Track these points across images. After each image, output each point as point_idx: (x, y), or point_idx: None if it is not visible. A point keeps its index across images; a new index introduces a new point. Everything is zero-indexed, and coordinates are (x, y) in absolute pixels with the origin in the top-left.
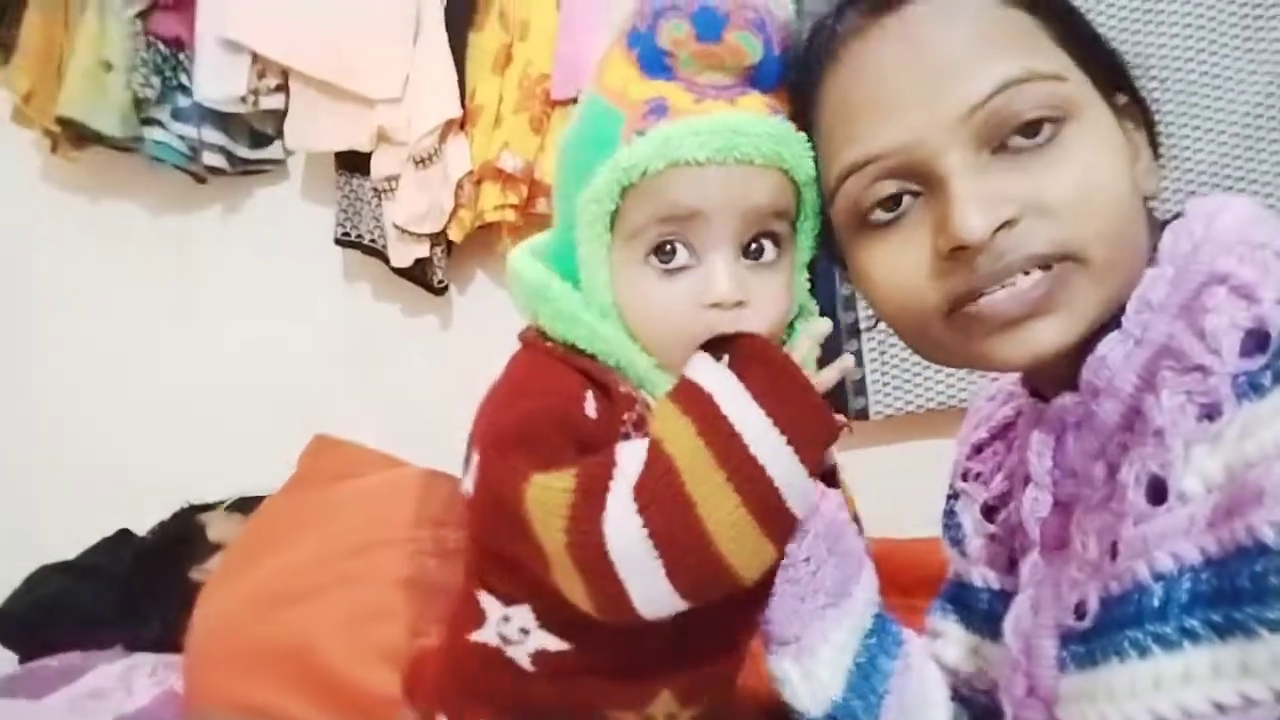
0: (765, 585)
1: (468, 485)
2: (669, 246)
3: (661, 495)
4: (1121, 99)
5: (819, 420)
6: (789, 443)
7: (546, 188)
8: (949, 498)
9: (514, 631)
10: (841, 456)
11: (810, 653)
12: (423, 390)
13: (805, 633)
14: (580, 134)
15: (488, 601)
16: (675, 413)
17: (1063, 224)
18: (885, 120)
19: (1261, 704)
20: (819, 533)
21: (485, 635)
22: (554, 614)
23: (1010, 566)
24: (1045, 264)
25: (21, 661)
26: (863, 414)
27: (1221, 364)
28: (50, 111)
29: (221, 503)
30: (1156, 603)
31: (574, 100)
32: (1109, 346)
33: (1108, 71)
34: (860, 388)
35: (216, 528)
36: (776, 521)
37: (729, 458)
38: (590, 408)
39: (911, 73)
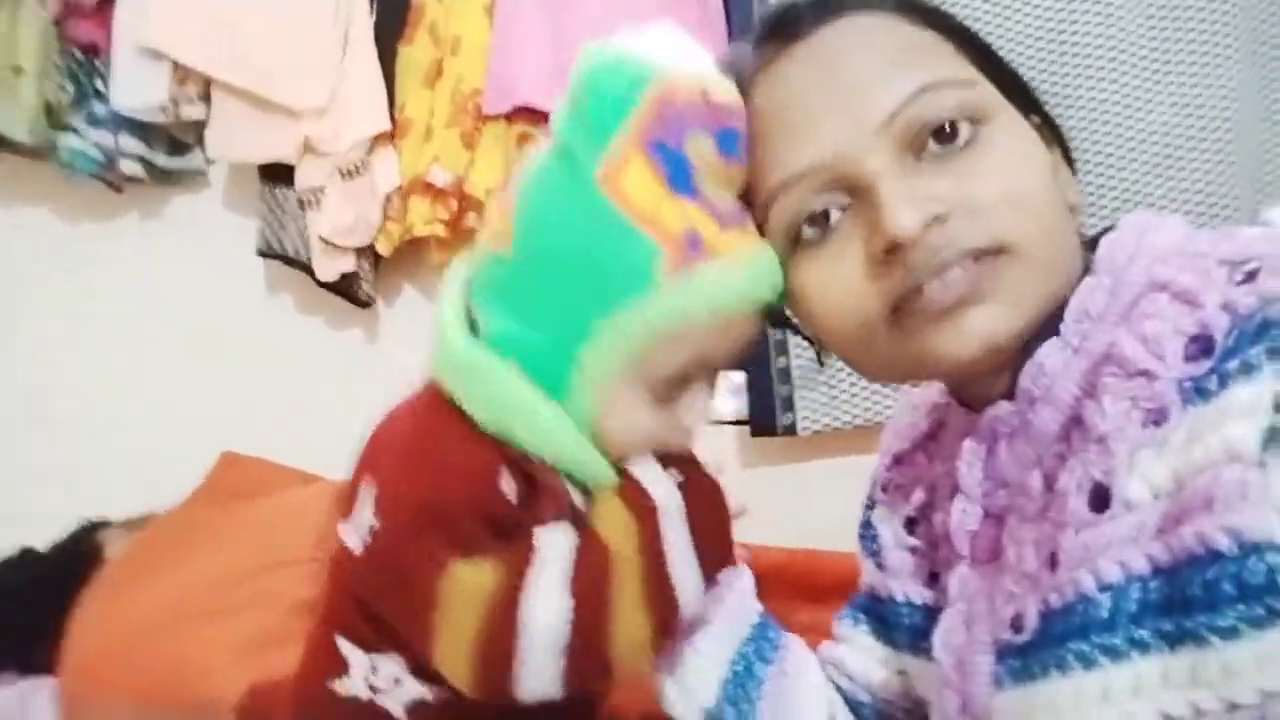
0: None
1: (354, 540)
2: (673, 383)
3: (594, 589)
4: (1034, 119)
5: (729, 552)
6: (702, 573)
7: (476, 202)
8: (866, 508)
9: (384, 681)
10: (769, 471)
11: (681, 663)
12: (348, 406)
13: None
14: (595, 255)
15: (348, 649)
16: (625, 519)
17: (991, 219)
18: (805, 139)
19: (1210, 714)
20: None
21: (352, 686)
22: (428, 663)
23: (932, 580)
24: (977, 257)
25: None
26: (790, 429)
27: (1166, 369)
28: None
29: (122, 521)
30: (1104, 613)
31: (505, 116)
32: (1047, 354)
33: (1016, 91)
34: (788, 404)
35: (115, 546)
36: (667, 636)
37: (653, 578)
38: (506, 487)
39: (826, 91)
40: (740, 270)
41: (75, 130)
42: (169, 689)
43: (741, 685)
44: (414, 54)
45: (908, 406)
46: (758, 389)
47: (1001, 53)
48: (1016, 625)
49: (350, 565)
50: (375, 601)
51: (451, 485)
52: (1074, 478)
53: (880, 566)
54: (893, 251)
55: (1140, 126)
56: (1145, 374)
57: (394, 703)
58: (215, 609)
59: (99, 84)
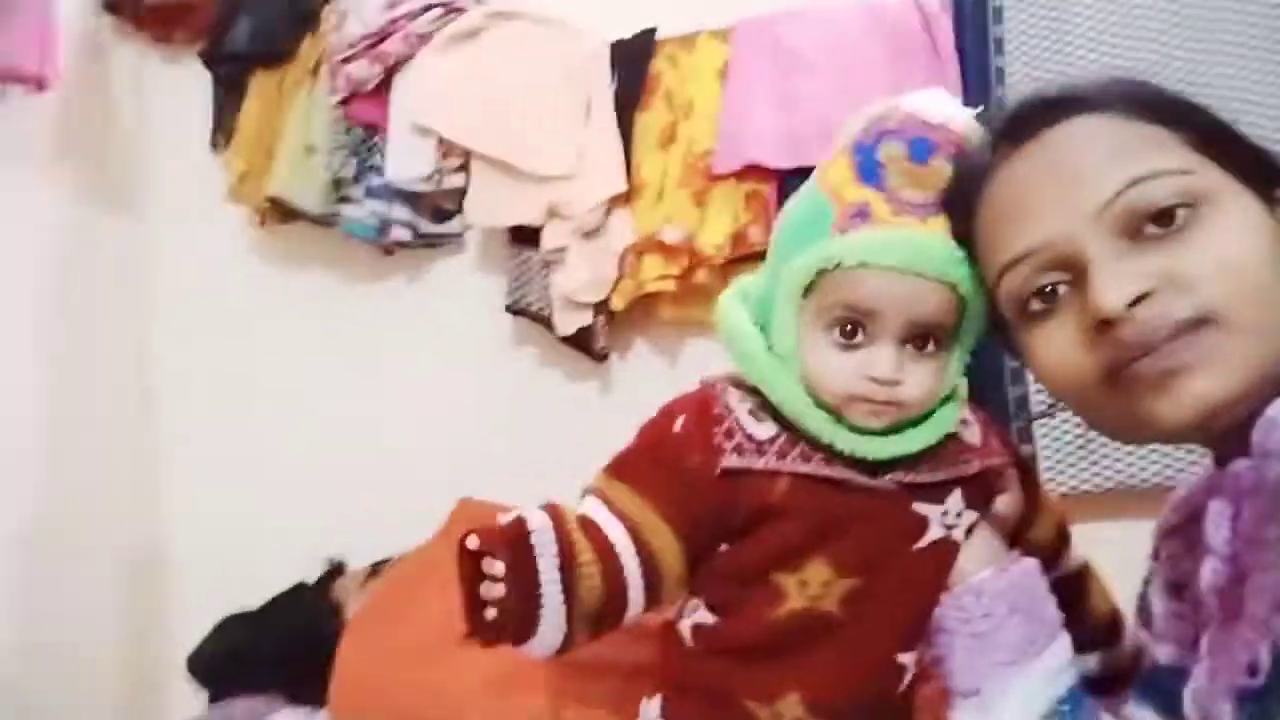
0: (900, 626)
1: None
2: (849, 327)
3: None
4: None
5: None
6: None
7: (705, 258)
8: (1143, 583)
9: (689, 608)
10: None
11: (992, 707)
12: (582, 454)
13: (985, 686)
14: (798, 214)
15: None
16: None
17: (1198, 293)
18: (1032, 223)
19: None
20: (999, 591)
21: (672, 613)
22: (708, 593)
23: (1195, 644)
24: (1188, 330)
25: (211, 701)
26: None
27: None
28: (260, 190)
29: (363, 569)
30: None
31: (735, 174)
32: (1277, 409)
33: (1257, 168)
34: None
35: (353, 592)
36: None
37: None
38: (678, 424)
39: (1052, 182)
40: (892, 236)
41: (355, 200)
42: (426, 715)
43: None
44: (649, 119)
45: (1186, 482)
46: None
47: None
48: (1253, 670)
49: None
50: None
51: (643, 435)
52: None
53: (1154, 637)
54: (1104, 326)
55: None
56: None
57: (685, 627)
58: (460, 644)
59: (376, 159)
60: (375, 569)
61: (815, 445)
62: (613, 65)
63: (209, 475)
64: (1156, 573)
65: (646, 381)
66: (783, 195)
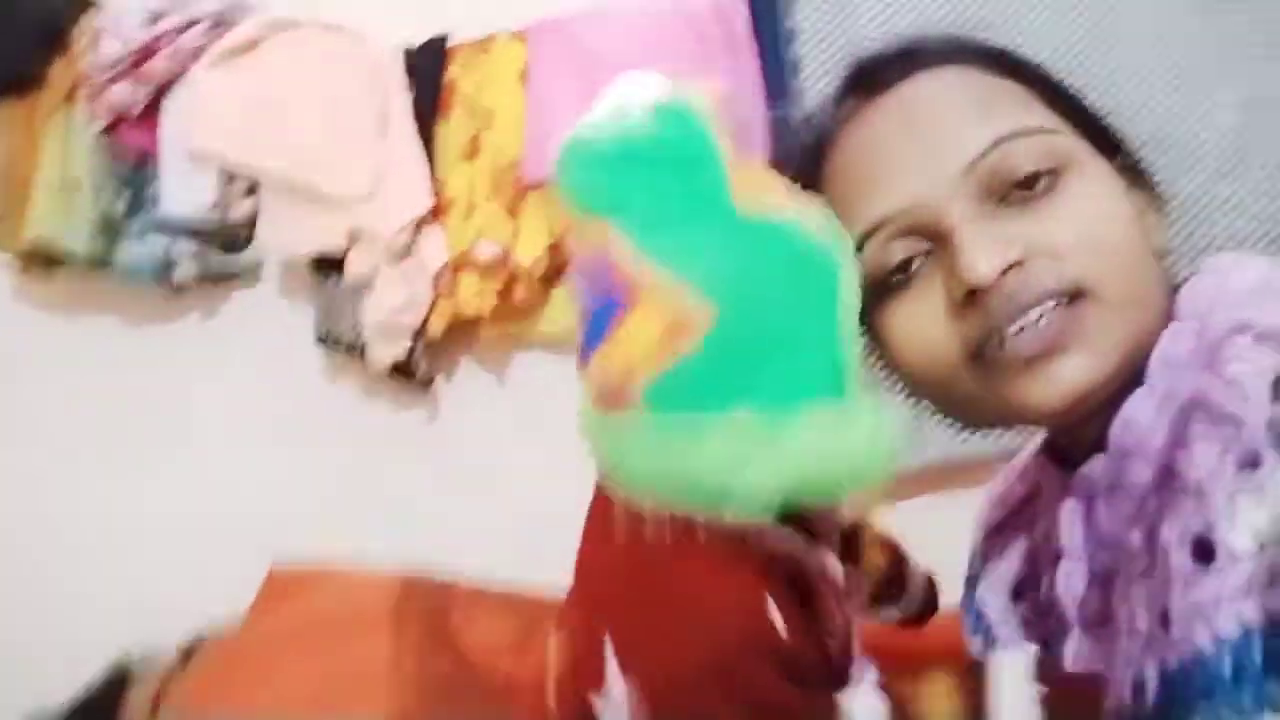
0: None
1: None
2: None
3: None
4: (1119, 161)
5: None
6: None
7: (524, 273)
8: (966, 584)
9: None
10: None
11: None
12: (415, 485)
13: None
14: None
15: None
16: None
17: (1069, 264)
18: (887, 186)
19: None
20: None
21: None
22: None
23: (1045, 648)
24: (1057, 301)
25: None
26: None
27: (1254, 412)
28: (20, 234)
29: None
30: (1227, 671)
31: (547, 182)
32: (1135, 404)
33: (1100, 135)
34: None
35: (142, 688)
36: None
37: None
38: (775, 617)
39: (908, 140)
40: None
41: (131, 238)
42: None
43: None
44: (450, 130)
45: (1000, 475)
46: None
47: (1044, 62)
48: (1136, 691)
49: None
50: None
51: (720, 631)
52: (1174, 531)
53: (989, 641)
54: (971, 297)
55: (1200, 129)
56: (1233, 419)
57: None
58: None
59: (151, 191)
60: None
61: None
62: (407, 74)
63: None
64: (986, 574)
65: (476, 405)
66: None
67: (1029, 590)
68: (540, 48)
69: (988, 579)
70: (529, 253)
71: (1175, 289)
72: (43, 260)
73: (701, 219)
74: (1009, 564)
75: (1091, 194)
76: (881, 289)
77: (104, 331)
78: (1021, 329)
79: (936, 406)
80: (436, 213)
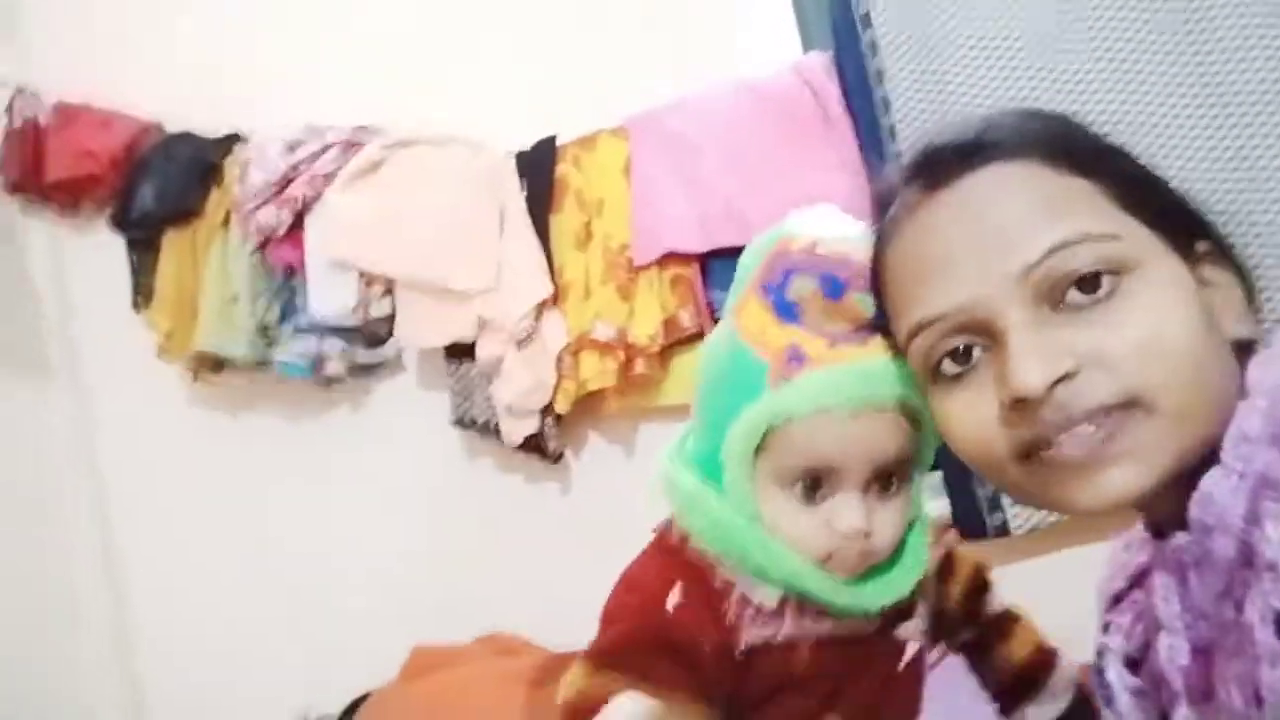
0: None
1: None
2: (810, 482)
3: None
4: (1202, 246)
5: None
6: None
7: (640, 350)
8: (1096, 655)
9: None
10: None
11: None
12: (552, 556)
13: None
14: (724, 372)
15: None
16: None
17: (1123, 374)
18: (947, 282)
19: None
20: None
21: None
22: None
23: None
24: (1108, 413)
25: None
26: (1002, 529)
27: None
28: (189, 345)
29: None
30: None
31: (656, 263)
32: (1212, 482)
33: (1180, 222)
34: (994, 503)
35: None
36: None
37: None
38: (672, 600)
39: (970, 237)
40: (840, 373)
41: (284, 342)
42: None
43: None
44: (563, 221)
45: (1121, 543)
46: (957, 489)
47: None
48: None
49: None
50: None
51: (634, 611)
52: (1255, 609)
53: (1116, 713)
54: (1021, 404)
55: (1221, 209)
56: None
57: None
58: None
59: (299, 299)
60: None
61: (820, 604)
62: (519, 174)
63: (178, 637)
64: (1108, 647)
65: (604, 473)
66: (706, 276)
67: (1145, 660)
68: (640, 139)
69: (1111, 650)
70: (644, 331)
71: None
72: (210, 367)
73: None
74: (1130, 634)
75: (1153, 300)
76: (938, 376)
77: (268, 426)
78: (1069, 437)
79: (992, 484)
80: (556, 299)
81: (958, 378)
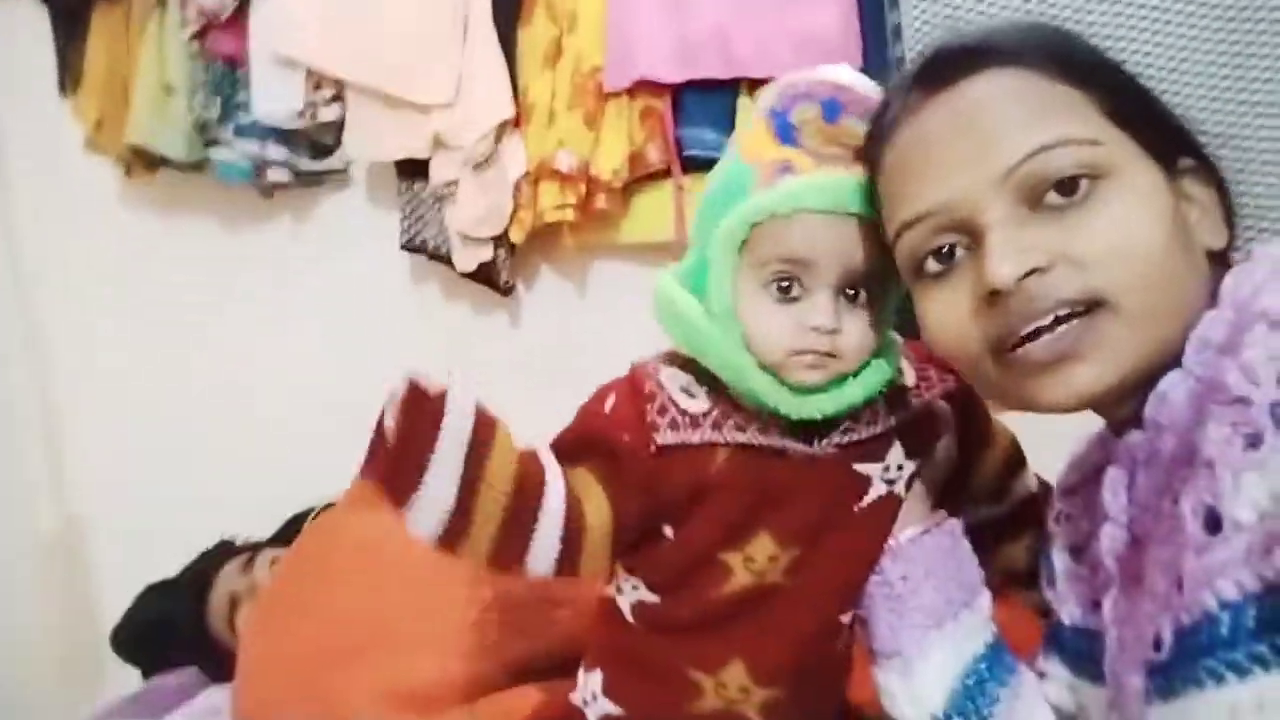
0: (842, 587)
1: None
2: (786, 282)
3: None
4: (1186, 162)
5: None
6: None
7: (604, 184)
8: (1043, 542)
9: (626, 586)
10: None
11: (911, 669)
12: (499, 388)
13: (905, 649)
14: (719, 185)
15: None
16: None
17: (1092, 273)
18: (935, 181)
19: None
20: (915, 555)
21: (610, 589)
22: (649, 574)
23: (1095, 606)
24: (1075, 310)
25: (144, 677)
26: None
27: (1260, 394)
28: (119, 138)
29: (250, 544)
30: (1225, 631)
31: (627, 91)
32: (1170, 384)
33: (1166, 138)
34: None
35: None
36: None
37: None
38: (609, 405)
39: (959, 138)
40: (818, 180)
41: (225, 143)
42: None
43: (972, 699)
44: (532, 35)
45: (1083, 439)
46: None
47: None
48: (1157, 644)
49: None
50: None
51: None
52: (1189, 502)
53: (1055, 593)
54: (994, 297)
55: (1215, 133)
56: (1242, 400)
57: (625, 604)
58: (365, 645)
59: (242, 95)
60: (253, 551)
61: (751, 415)
62: None
63: (112, 442)
64: (1056, 534)
65: (556, 311)
66: (678, 111)
67: (1087, 548)
68: None
69: (1058, 536)
70: (608, 164)
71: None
72: (144, 163)
73: None
74: (1073, 524)
75: (1127, 205)
76: (921, 274)
77: (205, 232)
78: (1037, 331)
79: (969, 381)
80: (518, 120)
81: (939, 276)
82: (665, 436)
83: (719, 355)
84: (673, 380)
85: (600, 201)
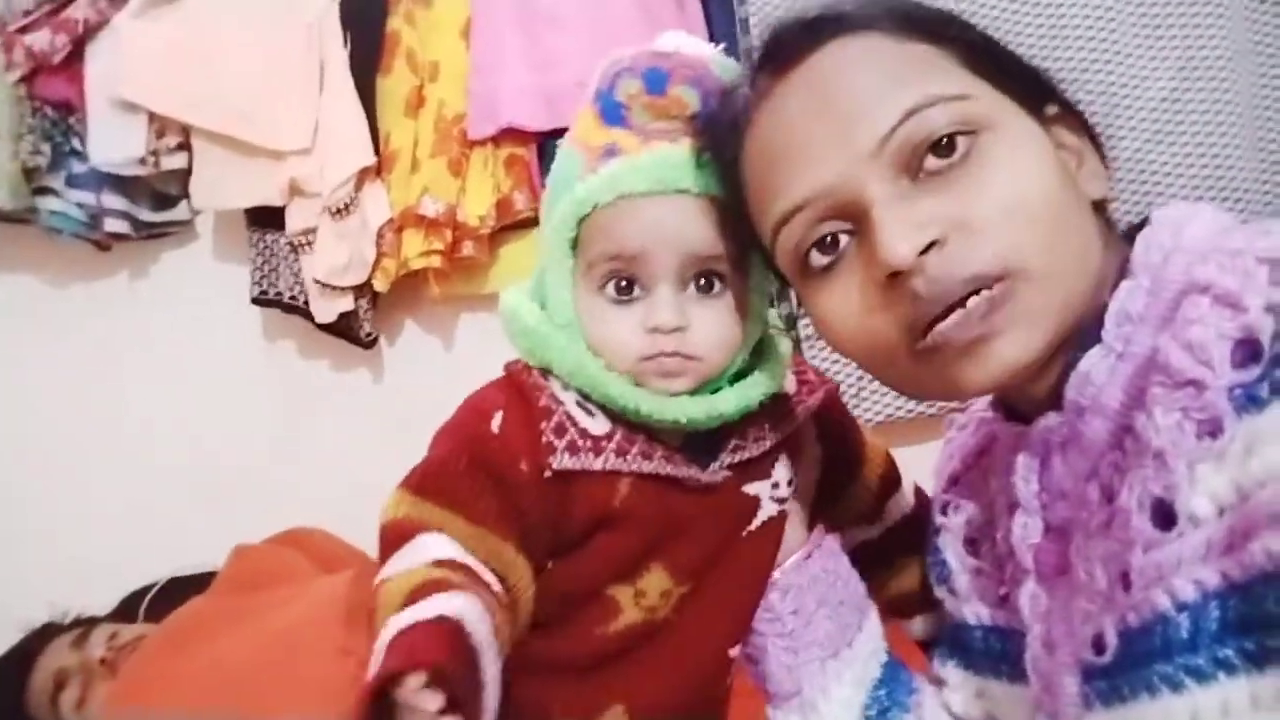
0: (732, 620)
1: None
2: (623, 283)
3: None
4: (1052, 109)
5: None
6: None
7: (471, 230)
8: (931, 535)
9: None
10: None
11: (813, 707)
12: (360, 447)
13: (805, 686)
14: (552, 177)
15: None
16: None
17: (991, 239)
18: (804, 168)
19: None
20: (804, 586)
21: None
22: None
23: (1001, 600)
24: (985, 283)
25: None
26: None
27: (1215, 377)
28: None
29: (85, 619)
30: (1184, 634)
31: (492, 139)
32: (1091, 362)
33: (1029, 86)
34: None
35: (54, 656)
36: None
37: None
38: (495, 421)
39: (822, 118)
40: (643, 160)
41: (55, 192)
42: None
43: None
44: (393, 84)
45: (956, 425)
46: None
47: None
48: (1098, 646)
49: None
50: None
51: (452, 435)
52: (1134, 494)
53: (952, 592)
54: (894, 279)
55: (1137, 95)
56: (1194, 383)
57: None
58: (235, 708)
59: (75, 142)
60: (87, 627)
61: (654, 440)
62: (343, 25)
63: None
64: (947, 526)
65: (421, 364)
66: (544, 158)
67: (986, 540)
68: (483, 2)
69: (947, 530)
70: (475, 210)
71: (1127, 235)
72: None
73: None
74: (965, 515)
75: (1010, 158)
76: (808, 270)
77: (32, 289)
78: (950, 311)
79: (882, 381)
80: (380, 169)
81: (828, 270)
82: (562, 461)
83: (566, 364)
84: (567, 393)
85: (467, 249)
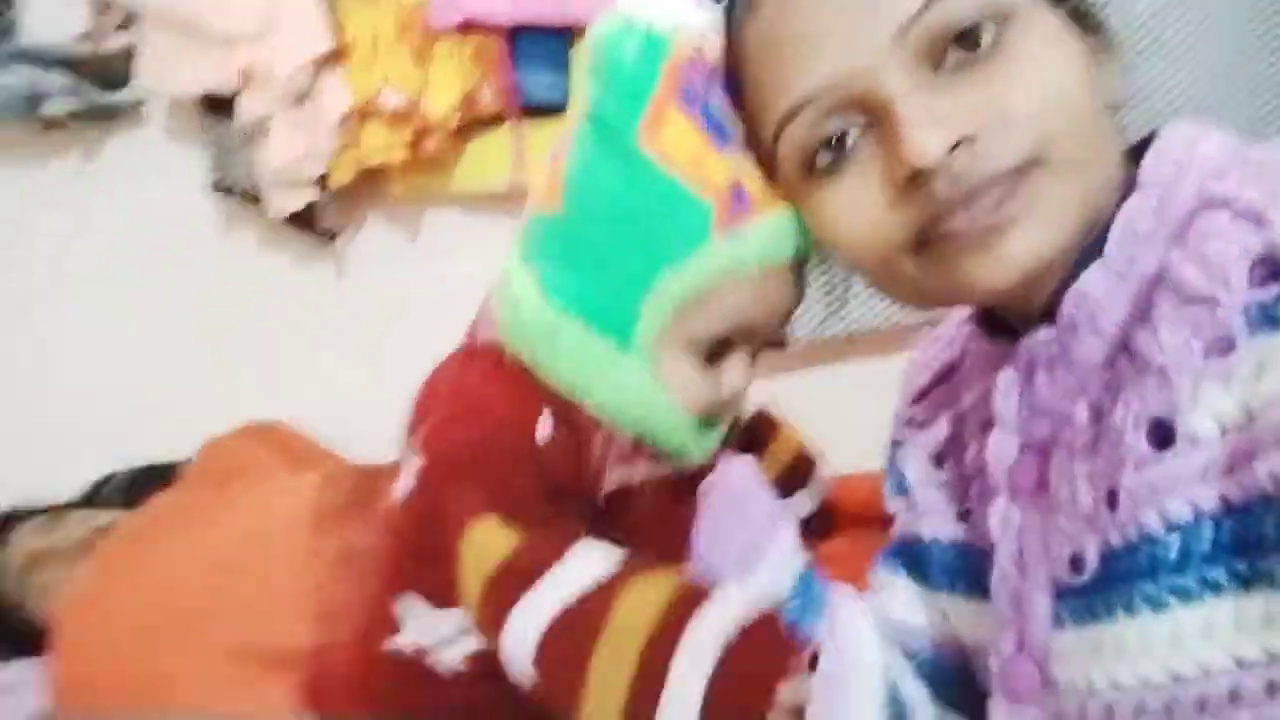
0: None
1: (401, 490)
2: (718, 346)
3: (569, 650)
4: (1070, 4)
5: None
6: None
7: (435, 126)
8: (891, 447)
9: (449, 632)
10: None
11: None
12: (318, 345)
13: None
14: (647, 205)
15: (408, 606)
16: (652, 610)
17: (1026, 130)
18: (815, 56)
19: None
20: (718, 504)
21: (402, 642)
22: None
23: (965, 516)
24: (1006, 178)
25: None
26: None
27: (1230, 294)
28: None
29: (54, 507)
30: (1173, 554)
31: (459, 30)
32: (1091, 278)
33: None
34: None
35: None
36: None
37: (645, 691)
38: (543, 431)
39: (835, 2)
40: (787, 223)
41: None
42: (162, 701)
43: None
44: None
45: (927, 340)
46: None
47: None
48: (1076, 565)
49: (399, 515)
50: (417, 543)
51: (490, 437)
52: (1130, 412)
53: (910, 507)
54: (915, 180)
55: (1126, 12)
56: (1207, 301)
57: (454, 654)
58: (197, 610)
59: (14, 16)
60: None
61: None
62: None
63: None
64: (910, 440)
65: (383, 259)
66: (514, 50)
67: (952, 456)
68: None
69: (911, 444)
70: (439, 104)
71: (1134, 153)
72: None
73: (600, 134)
74: (934, 429)
75: (1040, 49)
76: (812, 169)
77: None
78: (967, 213)
79: (875, 287)
80: (338, 56)
81: (833, 169)
82: (613, 477)
83: (624, 401)
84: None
85: (431, 145)
